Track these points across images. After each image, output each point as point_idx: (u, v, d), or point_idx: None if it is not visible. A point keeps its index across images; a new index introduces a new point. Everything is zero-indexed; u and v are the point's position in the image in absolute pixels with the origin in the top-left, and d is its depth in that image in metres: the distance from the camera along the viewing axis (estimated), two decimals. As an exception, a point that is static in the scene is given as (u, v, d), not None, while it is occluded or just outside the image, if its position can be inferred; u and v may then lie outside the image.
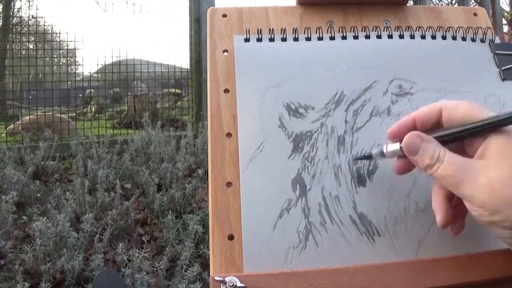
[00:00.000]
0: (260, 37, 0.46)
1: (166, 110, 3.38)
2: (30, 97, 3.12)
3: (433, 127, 0.34)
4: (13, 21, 3.76)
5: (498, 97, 0.44)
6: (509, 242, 0.31)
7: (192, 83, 2.89)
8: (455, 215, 0.34)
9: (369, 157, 0.39)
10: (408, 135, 0.33)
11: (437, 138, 0.33)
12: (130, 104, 3.42)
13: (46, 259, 1.32)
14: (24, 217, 1.70)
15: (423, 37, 0.46)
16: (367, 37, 0.46)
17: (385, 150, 0.36)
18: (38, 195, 1.80)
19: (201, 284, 1.22)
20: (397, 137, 0.35)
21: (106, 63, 3.10)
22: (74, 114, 3.33)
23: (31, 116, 2.87)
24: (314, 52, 0.45)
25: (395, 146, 0.35)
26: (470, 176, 0.30)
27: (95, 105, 4.01)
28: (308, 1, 0.48)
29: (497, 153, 0.30)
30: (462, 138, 0.33)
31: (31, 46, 2.97)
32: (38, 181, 1.83)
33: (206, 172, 1.93)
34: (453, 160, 0.31)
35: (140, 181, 1.89)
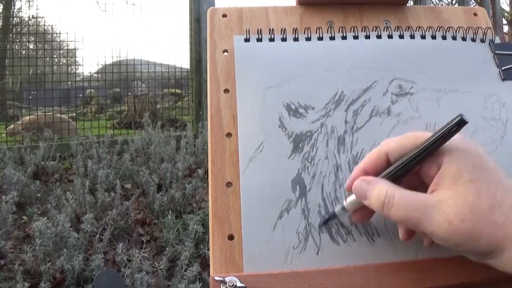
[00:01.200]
0: (260, 37, 0.46)
1: (166, 110, 3.38)
2: (30, 97, 3.12)
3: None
4: (13, 21, 3.76)
5: (498, 97, 0.44)
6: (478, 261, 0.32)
7: (192, 83, 2.90)
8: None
9: (333, 216, 0.37)
10: (355, 181, 0.33)
11: (386, 177, 0.32)
12: (130, 104, 3.42)
13: (46, 259, 1.32)
14: (24, 217, 1.70)
15: (423, 37, 0.46)
16: (367, 37, 0.46)
17: (344, 204, 0.35)
18: (38, 195, 1.80)
19: (201, 284, 1.21)
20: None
21: (106, 63, 3.10)
22: (74, 114, 3.33)
23: (31, 116, 2.87)
24: (314, 52, 0.45)
25: (352, 197, 0.35)
26: (427, 215, 0.29)
27: (95, 105, 4.02)
28: (308, 1, 0.48)
29: (450, 183, 0.30)
30: (410, 169, 0.32)
31: (31, 46, 2.97)
32: (38, 181, 1.83)
33: (206, 172, 1.93)
34: (406, 200, 0.30)
35: (140, 181, 1.89)
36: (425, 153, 0.31)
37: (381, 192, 0.31)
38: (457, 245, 0.29)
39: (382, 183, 0.32)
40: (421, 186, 0.32)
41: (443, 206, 0.29)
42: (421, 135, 0.32)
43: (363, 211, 0.35)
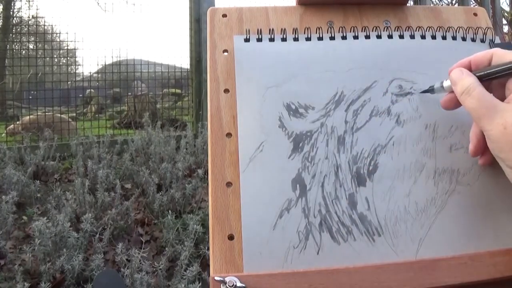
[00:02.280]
0: (260, 37, 0.46)
1: (166, 110, 3.38)
2: (30, 97, 3.12)
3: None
4: (13, 21, 3.76)
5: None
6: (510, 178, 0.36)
7: (192, 83, 2.89)
8: (485, 147, 0.38)
9: (432, 90, 0.42)
10: (454, 69, 0.39)
11: (480, 76, 0.37)
12: (130, 104, 3.42)
13: (46, 259, 1.32)
14: (24, 217, 1.70)
15: (423, 37, 0.46)
16: (367, 37, 0.46)
17: (444, 82, 0.40)
18: (38, 195, 1.80)
19: (200, 284, 1.21)
20: None
21: (106, 63, 3.10)
22: (74, 114, 3.33)
23: (31, 116, 2.87)
24: (314, 52, 0.45)
25: (449, 81, 0.40)
26: (490, 113, 0.34)
27: (95, 105, 4.02)
28: (308, 1, 0.48)
29: None
30: (498, 77, 0.37)
31: (31, 46, 2.97)
32: (38, 181, 1.83)
33: (206, 172, 1.93)
34: (481, 96, 0.35)
35: (140, 181, 1.89)
36: None
37: (467, 82, 0.37)
38: (501, 149, 0.34)
39: (471, 77, 0.37)
40: (503, 99, 0.36)
41: (506, 114, 0.34)
42: None
43: (452, 98, 0.40)
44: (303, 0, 0.48)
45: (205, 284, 1.27)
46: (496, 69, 0.36)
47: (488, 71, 0.37)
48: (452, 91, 0.40)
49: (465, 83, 0.37)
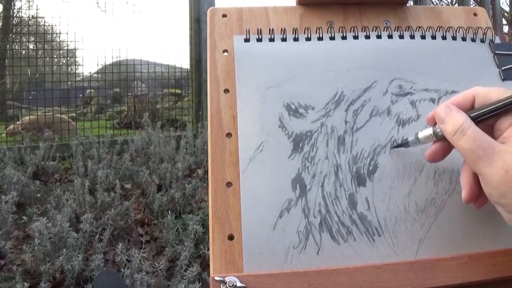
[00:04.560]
0: (260, 37, 0.46)
1: (166, 110, 3.38)
2: (30, 97, 3.12)
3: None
4: (13, 22, 3.76)
5: (498, 97, 0.44)
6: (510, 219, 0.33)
7: (192, 83, 2.90)
8: (480, 191, 0.35)
9: (406, 143, 0.40)
10: (440, 106, 0.35)
11: (474, 116, 0.34)
12: (130, 104, 3.42)
13: (46, 259, 1.32)
14: (24, 217, 1.70)
15: (423, 37, 0.46)
16: (367, 37, 0.46)
17: (419, 134, 0.38)
18: (38, 195, 1.80)
19: (200, 284, 1.21)
20: (432, 122, 0.37)
21: (106, 63, 3.10)
22: (74, 114, 3.33)
23: (31, 116, 2.87)
24: (314, 52, 0.45)
25: (429, 130, 0.37)
26: (488, 156, 0.31)
27: (95, 105, 4.01)
28: (308, 1, 0.48)
29: None
30: (488, 118, 0.34)
31: (31, 46, 2.97)
32: (38, 181, 1.83)
33: (206, 172, 1.93)
34: (477, 135, 0.32)
35: (140, 181, 1.89)
36: (510, 105, 0.32)
37: (459, 120, 0.33)
38: (504, 195, 0.30)
39: (462, 114, 0.34)
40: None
41: (506, 155, 0.30)
42: (508, 92, 0.34)
43: (438, 149, 0.37)
44: (303, 0, 0.48)
45: (205, 284, 1.27)
46: (492, 107, 0.33)
47: (483, 111, 0.33)
48: (433, 141, 0.37)
49: (456, 121, 0.33)
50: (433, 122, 0.37)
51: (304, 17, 0.48)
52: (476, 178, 0.34)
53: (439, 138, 0.36)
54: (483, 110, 0.33)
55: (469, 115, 0.34)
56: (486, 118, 0.33)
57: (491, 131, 0.34)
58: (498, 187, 0.30)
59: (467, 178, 0.35)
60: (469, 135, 0.32)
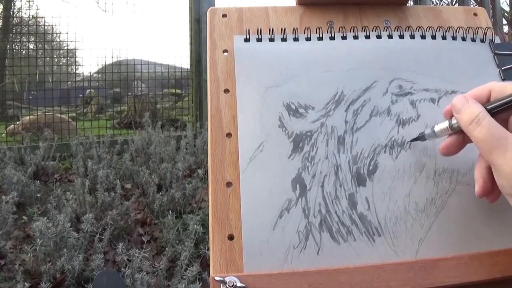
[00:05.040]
0: (260, 37, 0.46)
1: (166, 110, 3.38)
2: (30, 97, 3.12)
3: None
4: (13, 21, 3.76)
5: (498, 97, 0.43)
6: None
7: (192, 83, 2.89)
8: (493, 186, 0.35)
9: (422, 137, 0.40)
10: (457, 97, 0.36)
11: (490, 108, 0.34)
12: (130, 104, 3.42)
13: (46, 259, 1.32)
14: (24, 217, 1.70)
15: (423, 37, 0.46)
16: (367, 37, 0.46)
17: (435, 127, 0.38)
18: (38, 195, 1.80)
19: (200, 284, 1.21)
20: (449, 115, 0.37)
21: (106, 63, 3.10)
22: (74, 114, 3.33)
23: (31, 116, 2.87)
24: (314, 52, 0.45)
25: (445, 123, 0.38)
26: (502, 146, 0.31)
27: (95, 105, 4.02)
28: (308, 1, 0.48)
29: None
30: (503, 110, 0.34)
31: (31, 46, 2.97)
32: (38, 181, 1.83)
33: (206, 172, 1.93)
34: (492, 126, 0.32)
35: (140, 181, 1.89)
36: None
37: (475, 110, 0.34)
38: None
39: (478, 105, 0.34)
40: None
41: None
42: None
43: (452, 142, 0.37)
44: (303, 0, 0.48)
45: (205, 284, 1.27)
46: (507, 99, 0.34)
47: (499, 103, 0.34)
48: (449, 134, 0.37)
49: (473, 111, 0.34)
50: (449, 116, 0.37)
51: (304, 17, 0.48)
52: (489, 172, 0.34)
53: (455, 131, 0.37)
54: (498, 103, 0.34)
55: (485, 107, 0.34)
56: (501, 111, 0.34)
57: (506, 126, 0.34)
58: (511, 178, 0.31)
59: (480, 172, 0.35)
60: (484, 125, 0.33)
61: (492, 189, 0.35)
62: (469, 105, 0.35)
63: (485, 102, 0.35)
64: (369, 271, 0.35)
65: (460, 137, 0.37)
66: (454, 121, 0.37)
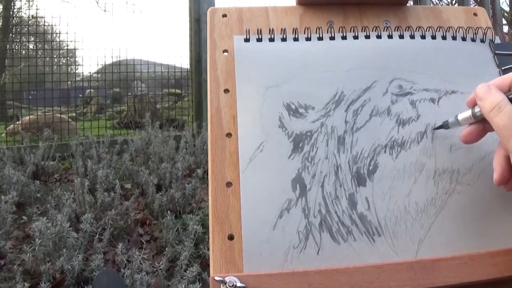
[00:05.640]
0: (260, 37, 0.46)
1: (166, 110, 3.38)
2: (30, 97, 3.12)
3: None
4: (13, 21, 3.76)
5: (498, 97, 0.43)
6: None
7: (192, 83, 2.89)
8: (511, 175, 0.36)
9: (446, 125, 0.41)
10: (481, 85, 0.37)
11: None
12: (130, 104, 3.42)
13: (46, 259, 1.32)
14: (24, 217, 1.70)
15: (423, 37, 0.46)
16: (367, 37, 0.46)
17: (459, 116, 0.39)
18: (38, 195, 1.80)
19: (200, 284, 1.21)
20: (472, 104, 0.38)
21: (106, 63, 3.10)
22: (74, 114, 3.33)
23: (31, 116, 2.87)
24: (314, 52, 0.45)
25: (468, 112, 0.38)
26: None
27: (95, 105, 4.01)
28: (308, 1, 0.48)
29: None
30: None
31: (31, 46, 2.97)
32: (38, 181, 1.83)
33: (205, 172, 1.92)
34: None
35: (140, 181, 1.89)
36: None
37: (497, 98, 0.35)
38: None
39: (501, 93, 0.35)
40: None
41: None
42: None
43: (473, 130, 0.38)
44: (303, 0, 0.48)
45: (205, 284, 1.27)
46: None
47: None
48: (471, 123, 0.38)
49: (494, 99, 0.35)
50: (472, 105, 0.38)
51: (304, 17, 0.48)
52: (508, 161, 0.36)
53: (477, 119, 0.38)
54: None
55: (507, 96, 0.35)
56: None
57: None
58: None
59: (499, 160, 0.36)
60: (505, 113, 0.33)
61: (510, 177, 0.36)
62: (492, 93, 0.35)
63: (507, 91, 0.36)
64: (369, 271, 0.35)
65: (481, 125, 0.38)
66: (476, 110, 0.37)
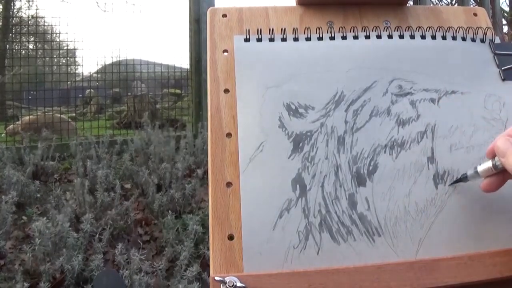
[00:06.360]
0: (260, 37, 0.46)
1: (166, 110, 3.37)
2: (30, 97, 3.12)
3: None
4: (13, 21, 3.76)
5: (498, 97, 0.44)
6: None
7: (192, 83, 2.89)
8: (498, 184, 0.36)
9: (465, 178, 0.39)
10: (499, 139, 0.35)
11: None
12: (130, 104, 3.42)
13: (46, 259, 1.32)
14: (24, 217, 1.69)
15: (423, 37, 0.46)
16: (367, 37, 0.46)
17: (478, 168, 0.37)
18: (38, 195, 1.80)
19: (200, 284, 1.21)
20: (491, 155, 0.36)
21: (106, 63, 3.10)
22: (73, 114, 3.33)
23: (30, 116, 2.87)
24: (314, 52, 0.45)
25: (488, 163, 0.36)
26: None
27: (95, 105, 4.01)
28: (308, 1, 0.48)
29: None
30: None
31: (31, 46, 2.97)
32: (37, 181, 1.83)
33: (205, 172, 1.93)
34: None
35: (140, 181, 1.89)
36: None
37: None
38: None
39: None
40: None
41: None
42: None
43: (494, 180, 0.37)
44: (303, 0, 0.48)
45: (205, 284, 1.27)
46: None
47: None
48: (489, 175, 0.37)
49: None
50: (492, 156, 0.36)
51: (304, 17, 0.48)
52: (502, 180, 0.36)
53: (499, 170, 0.36)
54: None
55: None
56: None
57: None
58: None
59: (497, 176, 0.36)
60: None
61: (495, 189, 0.36)
62: None
63: None
64: (369, 271, 0.35)
65: (501, 175, 0.36)
66: (497, 162, 0.36)
